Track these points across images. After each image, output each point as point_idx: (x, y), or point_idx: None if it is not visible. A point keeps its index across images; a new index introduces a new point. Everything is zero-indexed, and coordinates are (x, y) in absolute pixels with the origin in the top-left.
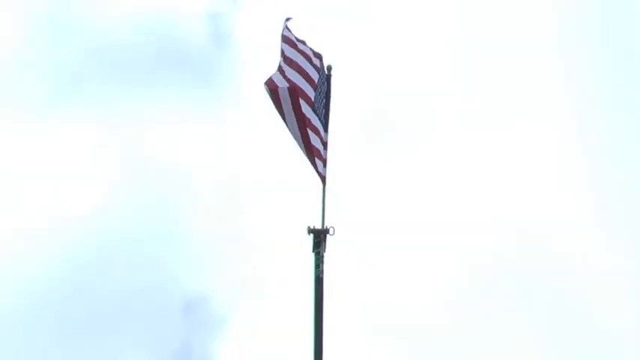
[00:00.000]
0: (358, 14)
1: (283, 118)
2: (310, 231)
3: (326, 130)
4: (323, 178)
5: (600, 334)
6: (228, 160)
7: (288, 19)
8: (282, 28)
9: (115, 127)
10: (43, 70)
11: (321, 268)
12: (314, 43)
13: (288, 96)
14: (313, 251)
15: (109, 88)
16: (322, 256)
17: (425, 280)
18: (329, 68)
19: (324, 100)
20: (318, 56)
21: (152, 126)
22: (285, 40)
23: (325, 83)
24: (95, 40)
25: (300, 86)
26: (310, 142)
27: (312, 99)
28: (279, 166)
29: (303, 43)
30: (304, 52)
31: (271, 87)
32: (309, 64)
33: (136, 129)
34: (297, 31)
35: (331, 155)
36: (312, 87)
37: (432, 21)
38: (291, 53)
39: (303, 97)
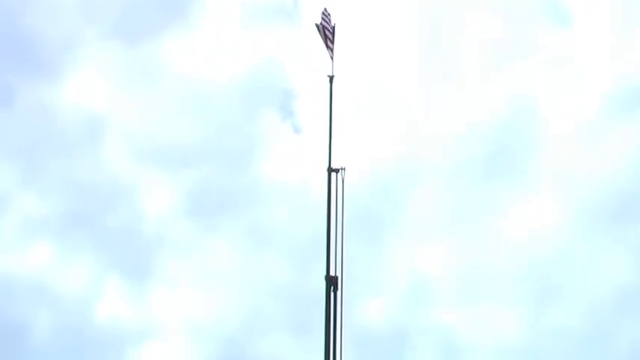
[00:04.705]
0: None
1: (319, 33)
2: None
3: (333, 43)
4: (332, 53)
5: None
6: None
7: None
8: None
9: None
10: None
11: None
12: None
13: (322, 27)
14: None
15: None
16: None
17: None
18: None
19: (332, 36)
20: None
21: None
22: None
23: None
24: None
25: (324, 25)
26: (327, 43)
27: (329, 29)
28: None
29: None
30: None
31: (317, 25)
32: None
33: None
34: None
35: None
36: (329, 26)
37: None
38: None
39: (325, 28)
